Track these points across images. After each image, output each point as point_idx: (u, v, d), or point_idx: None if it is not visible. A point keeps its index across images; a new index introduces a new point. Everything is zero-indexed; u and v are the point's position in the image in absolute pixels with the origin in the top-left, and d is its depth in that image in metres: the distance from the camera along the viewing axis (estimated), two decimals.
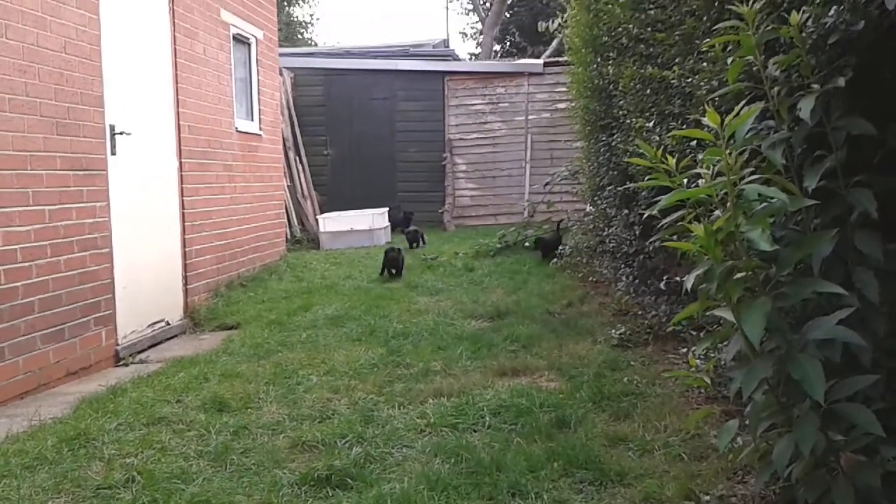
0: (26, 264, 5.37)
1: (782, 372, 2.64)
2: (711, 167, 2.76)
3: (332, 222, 12.64)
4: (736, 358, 2.87)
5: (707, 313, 2.81)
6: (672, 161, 2.89)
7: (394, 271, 9.37)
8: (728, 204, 2.62)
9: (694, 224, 2.66)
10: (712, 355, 4.06)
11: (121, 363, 6.29)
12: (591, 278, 8.31)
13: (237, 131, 9.10)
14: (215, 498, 3.35)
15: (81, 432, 4.27)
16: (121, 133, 6.44)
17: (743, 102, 2.82)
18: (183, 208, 7.61)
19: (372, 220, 12.64)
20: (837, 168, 2.66)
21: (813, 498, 2.73)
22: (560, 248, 9.39)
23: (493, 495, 3.32)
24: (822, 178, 2.67)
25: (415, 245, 11.78)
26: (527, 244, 10.62)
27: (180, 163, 7.57)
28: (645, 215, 5.15)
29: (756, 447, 3.16)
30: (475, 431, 4.10)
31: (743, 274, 2.65)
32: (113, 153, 6.39)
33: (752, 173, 2.71)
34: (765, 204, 2.63)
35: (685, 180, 2.89)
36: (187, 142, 7.70)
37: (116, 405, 4.79)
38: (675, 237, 2.92)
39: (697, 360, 3.62)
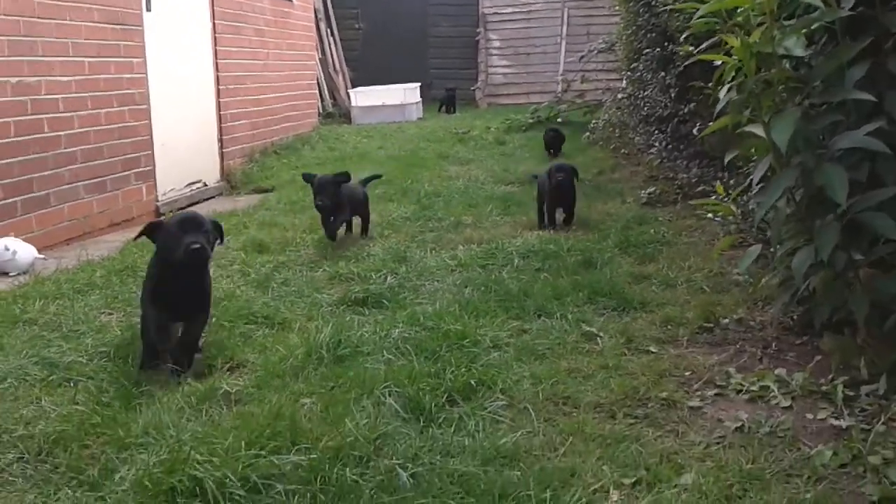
0: (68, 114, 5.49)
1: (808, 186, 2.71)
2: None
3: (363, 96, 12.60)
4: (763, 180, 2.94)
5: (736, 131, 2.86)
6: None
7: (451, 108, 12.54)
8: (765, 17, 2.63)
9: (731, 37, 2.68)
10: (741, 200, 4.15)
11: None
12: (622, 150, 8.31)
13: None
14: (259, 313, 3.54)
15: (128, 265, 4.48)
16: None
17: None
18: (217, 71, 7.65)
19: (404, 95, 12.58)
20: None
21: (829, 312, 2.85)
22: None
23: (519, 315, 3.49)
24: (858, 3, 2.67)
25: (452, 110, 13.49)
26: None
27: (214, 24, 7.56)
28: (681, 66, 5.13)
29: (776, 273, 3.27)
30: (504, 269, 4.24)
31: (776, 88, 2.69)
32: (148, 9, 6.40)
33: None
34: (800, 18, 2.64)
35: None
36: (220, 2, 7.67)
37: None
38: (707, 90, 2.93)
39: (723, 192, 3.67)
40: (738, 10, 2.80)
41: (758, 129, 2.76)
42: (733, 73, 2.87)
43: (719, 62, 2.93)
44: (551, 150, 8.68)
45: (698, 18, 2.81)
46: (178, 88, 6.92)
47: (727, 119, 2.87)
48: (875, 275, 2.73)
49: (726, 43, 2.74)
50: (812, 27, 2.75)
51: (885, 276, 2.69)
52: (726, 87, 2.80)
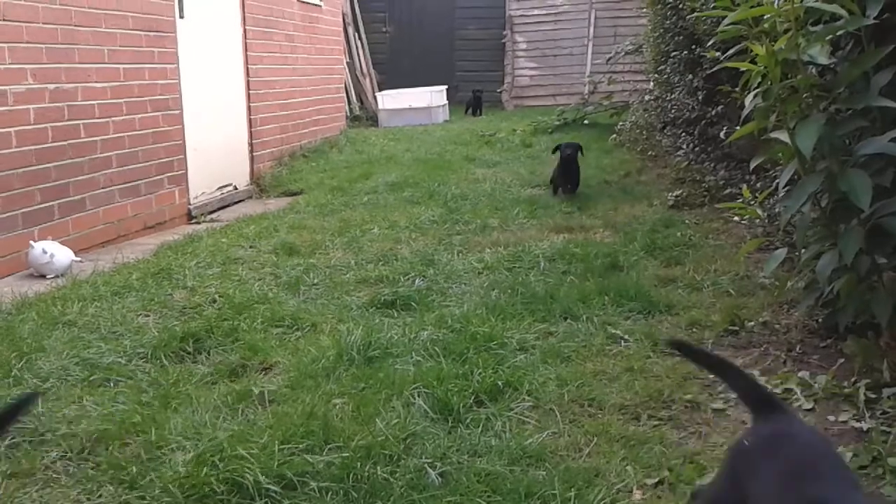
0: (103, 120, 5.62)
1: (832, 191, 2.74)
2: None
3: (390, 99, 12.70)
4: (789, 184, 2.97)
5: (762, 136, 2.89)
6: None
7: (478, 111, 12.84)
8: (790, 25, 2.66)
9: (755, 45, 2.71)
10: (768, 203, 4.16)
11: (193, 221, 6.61)
12: (650, 152, 8.29)
13: (298, 1, 9.14)
14: (291, 315, 3.63)
15: (163, 268, 4.59)
16: None
17: None
18: (248, 76, 7.77)
19: (430, 98, 12.66)
20: None
21: (853, 316, 2.88)
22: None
23: (546, 318, 3.54)
24: (884, 10, 2.69)
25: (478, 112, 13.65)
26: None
27: (244, 30, 7.69)
28: (709, 70, 5.15)
29: (801, 276, 3.30)
30: (530, 272, 4.30)
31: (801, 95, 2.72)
32: (181, 16, 6.53)
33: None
34: (825, 25, 2.67)
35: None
36: (251, 8, 7.79)
37: (194, 249, 5.11)
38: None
39: (750, 195, 3.70)
40: (765, 17, 2.83)
41: (783, 135, 2.80)
42: (759, 80, 2.90)
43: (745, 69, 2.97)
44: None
45: (725, 27, 2.85)
46: (210, 93, 7.05)
47: (753, 125, 2.91)
48: None
49: (752, 50, 2.78)
50: (837, 34, 2.78)
51: None
52: (752, 93, 2.83)
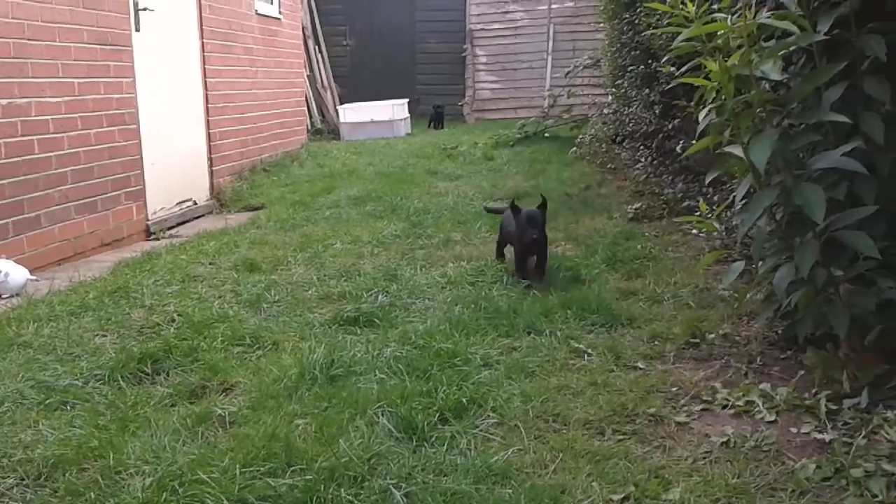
0: (58, 135, 5.52)
1: (787, 205, 2.78)
2: (729, 11, 2.84)
3: (352, 113, 12.67)
4: (745, 197, 3.02)
5: (717, 150, 2.94)
6: (691, 7, 2.95)
7: (439, 125, 12.11)
8: (743, 41, 2.71)
9: (709, 61, 2.75)
10: (725, 216, 4.22)
11: (152, 237, 6.51)
12: (609, 165, 8.38)
13: (257, 14, 9.09)
14: (252, 333, 3.58)
15: (121, 286, 4.51)
16: (144, 9, 6.48)
17: None
18: (206, 89, 7.70)
19: (392, 111, 12.66)
20: (850, 16, 2.73)
21: (811, 327, 2.92)
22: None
23: (509, 333, 3.54)
24: (834, 27, 2.75)
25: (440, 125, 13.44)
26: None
27: (202, 43, 7.61)
28: (665, 85, 5.23)
29: (760, 288, 3.34)
30: (493, 286, 4.29)
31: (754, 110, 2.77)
32: (137, 29, 6.45)
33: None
34: (778, 41, 2.72)
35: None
36: (209, 21, 7.72)
37: (152, 266, 5.03)
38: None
39: (707, 209, 3.74)
40: (718, 34, 2.88)
41: (737, 150, 2.84)
42: (713, 95, 2.95)
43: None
44: None
45: (679, 43, 2.89)
46: (167, 107, 6.97)
47: (708, 140, 2.95)
48: (855, 290, 2.80)
49: (706, 66, 2.82)
50: (789, 49, 2.84)
51: (865, 292, 2.76)
52: (706, 109, 2.88)
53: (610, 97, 9.04)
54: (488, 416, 2.73)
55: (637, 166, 7.06)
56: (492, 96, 14.74)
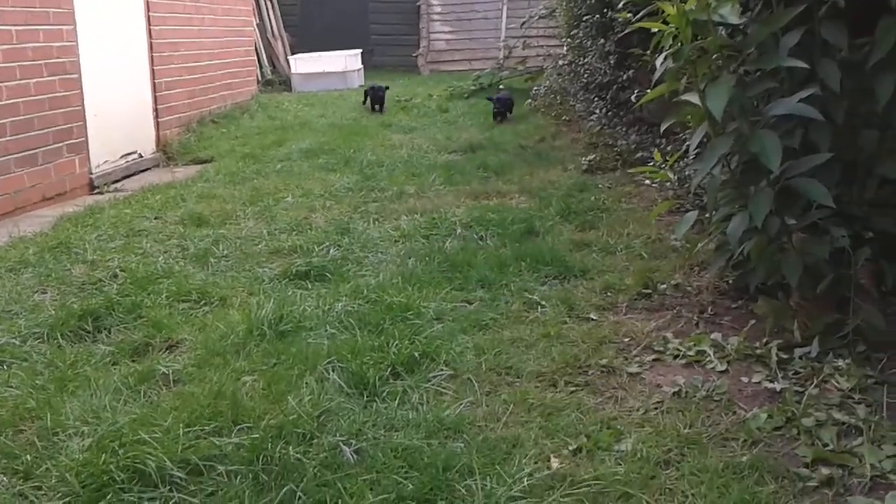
0: None
1: (743, 153, 2.76)
2: None
3: (303, 63, 12.38)
4: (699, 146, 2.99)
5: (673, 99, 2.89)
6: None
7: (377, 107, 9.77)
8: None
9: (666, 4, 2.69)
10: (678, 166, 4.21)
11: (96, 191, 6.30)
12: (564, 117, 8.33)
13: None
14: (198, 289, 3.48)
15: (62, 242, 4.35)
16: None
17: None
18: (151, 37, 7.41)
19: (345, 62, 12.40)
20: None
21: (763, 276, 2.92)
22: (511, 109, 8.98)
23: (462, 286, 3.50)
24: None
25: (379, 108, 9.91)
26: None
27: None
28: (620, 33, 5.16)
29: (712, 238, 3.34)
30: (447, 240, 4.24)
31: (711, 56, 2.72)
32: None
33: None
34: None
35: None
36: None
37: (95, 220, 4.86)
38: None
39: (661, 159, 3.72)
40: None
41: (693, 98, 2.80)
42: (670, 41, 2.89)
43: (657, 30, 2.95)
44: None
45: None
46: (110, 56, 6.69)
47: (664, 87, 2.90)
48: (807, 239, 2.80)
49: (663, 10, 2.76)
50: None
51: (817, 241, 2.76)
52: (663, 55, 2.82)
53: (565, 48, 8.94)
54: (441, 369, 2.70)
55: (591, 118, 7.01)
56: (446, 47, 14.51)
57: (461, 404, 2.47)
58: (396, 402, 2.47)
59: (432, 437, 2.26)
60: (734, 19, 2.59)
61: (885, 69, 2.68)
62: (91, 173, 6.37)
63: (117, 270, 3.78)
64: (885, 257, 2.88)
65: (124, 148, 6.95)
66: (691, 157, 3.28)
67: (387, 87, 10.05)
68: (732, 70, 2.76)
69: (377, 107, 9.86)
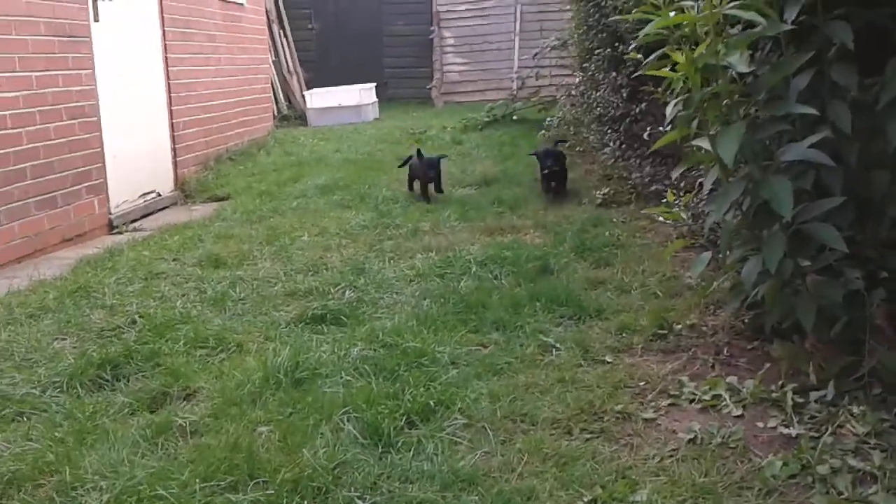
0: (16, 131, 5.37)
1: (755, 197, 2.76)
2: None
3: (319, 98, 12.51)
4: (713, 188, 2.99)
5: (685, 144, 2.91)
6: None
7: (433, 185, 6.61)
8: (709, 31, 2.67)
9: (676, 53, 2.71)
10: (692, 203, 4.21)
11: (115, 231, 6.37)
12: (577, 148, 8.36)
13: (219, 0, 8.91)
14: (216, 335, 3.51)
15: (82, 286, 4.40)
16: None
17: None
18: (168, 79, 7.54)
19: (360, 96, 12.51)
20: (818, 2, 2.70)
21: (778, 318, 2.91)
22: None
23: (478, 328, 3.51)
24: (802, 13, 2.72)
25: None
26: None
27: (163, 31, 7.44)
28: (633, 74, 5.19)
29: (727, 277, 3.33)
30: (462, 279, 4.25)
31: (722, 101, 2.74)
32: (96, 20, 6.28)
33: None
34: (744, 31, 2.69)
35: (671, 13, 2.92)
36: (169, 9, 7.55)
37: (115, 263, 4.92)
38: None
39: (674, 198, 3.73)
40: (685, 23, 2.84)
41: (705, 143, 2.81)
42: (680, 85, 2.91)
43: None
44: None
45: (645, 35, 2.84)
46: (129, 98, 6.81)
47: (674, 134, 2.92)
48: (821, 282, 2.79)
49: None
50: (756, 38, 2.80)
51: (831, 283, 2.75)
52: (673, 101, 2.84)
53: (577, 79, 8.99)
54: (456, 418, 2.70)
55: (605, 150, 7.02)
56: (460, 79, 14.61)
57: (476, 454, 2.47)
58: (411, 452, 2.47)
59: (447, 489, 2.26)
60: (743, 68, 2.61)
61: (895, 109, 2.69)
62: (110, 213, 6.45)
63: (136, 316, 3.81)
64: None
65: (143, 188, 7.05)
66: (705, 195, 3.28)
67: (442, 157, 6.93)
68: (743, 114, 2.78)
69: (432, 186, 6.55)
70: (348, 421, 2.64)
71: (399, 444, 2.52)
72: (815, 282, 2.80)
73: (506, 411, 2.74)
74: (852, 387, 2.68)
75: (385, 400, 2.76)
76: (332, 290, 4.13)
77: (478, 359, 3.19)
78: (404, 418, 2.67)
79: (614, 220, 5.35)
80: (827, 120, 2.76)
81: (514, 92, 12.07)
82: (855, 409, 2.53)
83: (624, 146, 6.67)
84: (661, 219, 4.45)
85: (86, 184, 6.14)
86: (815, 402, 2.64)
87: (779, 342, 2.92)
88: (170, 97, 7.57)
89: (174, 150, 7.67)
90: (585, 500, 2.21)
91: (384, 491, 2.25)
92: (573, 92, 9.05)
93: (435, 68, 14.63)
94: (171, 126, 7.63)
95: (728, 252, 3.12)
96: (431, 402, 2.75)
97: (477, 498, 2.21)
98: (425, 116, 12.61)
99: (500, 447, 2.52)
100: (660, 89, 3.27)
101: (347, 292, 4.08)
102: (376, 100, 13.10)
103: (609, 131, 7.06)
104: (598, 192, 6.02)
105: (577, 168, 7.55)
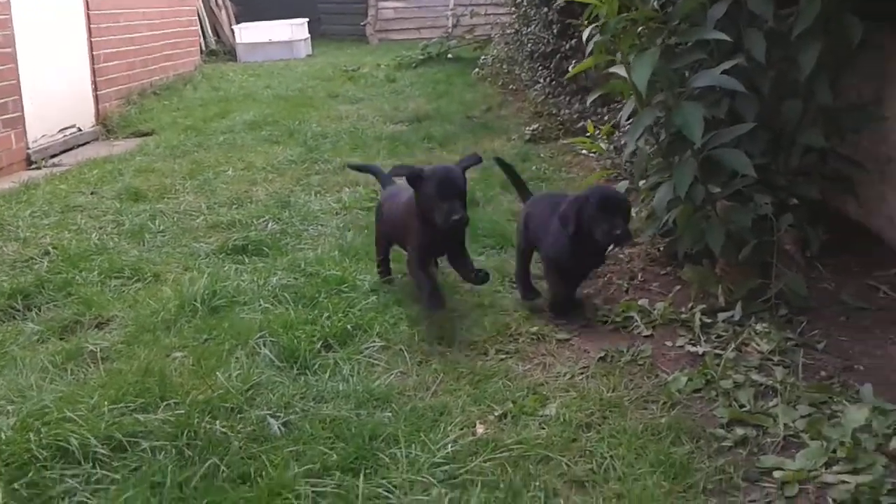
0: None
1: (668, 125, 2.80)
2: None
3: (249, 32, 12.16)
4: (630, 117, 3.02)
5: (601, 70, 2.92)
6: None
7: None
8: None
9: None
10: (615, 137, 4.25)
11: (33, 166, 6.15)
12: (511, 86, 8.34)
13: None
14: (132, 265, 3.44)
15: None
16: None
17: None
18: (88, 8, 7.22)
19: (292, 31, 12.22)
20: None
21: (689, 244, 2.99)
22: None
23: (400, 258, 3.49)
24: None
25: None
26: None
27: None
28: (562, 2, 5.17)
29: (643, 206, 3.40)
30: None
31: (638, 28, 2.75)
32: None
33: None
34: None
35: None
36: None
37: (30, 197, 4.76)
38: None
39: (595, 130, 3.76)
40: None
41: (621, 70, 2.83)
42: (604, 12, 2.90)
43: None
44: None
45: None
46: (46, 28, 6.51)
47: (590, 60, 2.93)
48: (731, 207, 2.87)
49: None
50: None
51: (741, 208, 2.83)
52: (589, 27, 2.84)
53: (511, 16, 8.92)
54: (373, 341, 2.72)
55: (536, 87, 7.03)
56: (395, 16, 14.36)
57: (392, 375, 2.50)
58: (327, 374, 2.49)
59: (361, 407, 2.29)
60: None
61: (808, 40, 2.75)
62: (28, 148, 6.21)
63: (49, 248, 3.71)
64: (809, 224, 2.97)
65: (62, 122, 6.79)
66: (623, 128, 3.31)
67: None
68: (660, 42, 2.79)
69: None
70: (264, 345, 2.63)
71: (315, 366, 2.53)
72: (725, 207, 2.88)
73: (423, 335, 2.76)
74: (759, 308, 2.78)
75: (303, 325, 2.75)
76: (256, 223, 4.08)
77: (398, 286, 3.20)
78: (321, 342, 2.67)
79: (541, 155, 5.38)
80: (742, 49, 2.80)
81: (450, 30, 11.94)
82: (760, 329, 2.62)
83: (554, 83, 6.68)
84: (583, 152, 4.49)
85: (2, 117, 5.88)
86: (723, 322, 2.74)
87: (689, 266, 3.00)
88: (90, 28, 7.26)
89: (95, 83, 7.39)
90: (496, 413, 2.26)
91: (298, 410, 2.26)
92: (507, 30, 8.99)
93: (370, 4, 14.34)
94: (92, 58, 7.34)
95: (643, 181, 3.17)
96: (349, 327, 2.76)
97: (391, 414, 2.24)
98: (359, 53, 12.40)
99: (416, 368, 2.55)
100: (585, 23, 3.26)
101: (271, 224, 4.04)
102: (309, 36, 12.82)
103: (540, 68, 7.06)
104: (527, 129, 6.03)
105: (509, 105, 7.55)
